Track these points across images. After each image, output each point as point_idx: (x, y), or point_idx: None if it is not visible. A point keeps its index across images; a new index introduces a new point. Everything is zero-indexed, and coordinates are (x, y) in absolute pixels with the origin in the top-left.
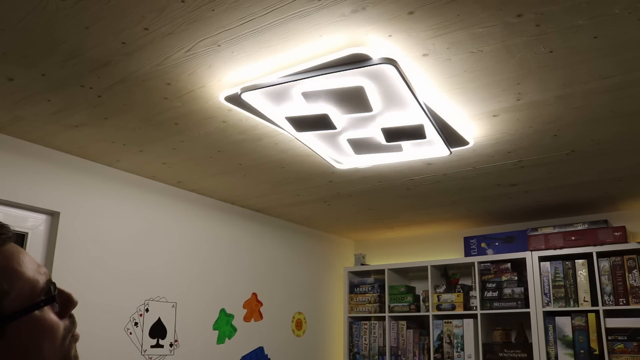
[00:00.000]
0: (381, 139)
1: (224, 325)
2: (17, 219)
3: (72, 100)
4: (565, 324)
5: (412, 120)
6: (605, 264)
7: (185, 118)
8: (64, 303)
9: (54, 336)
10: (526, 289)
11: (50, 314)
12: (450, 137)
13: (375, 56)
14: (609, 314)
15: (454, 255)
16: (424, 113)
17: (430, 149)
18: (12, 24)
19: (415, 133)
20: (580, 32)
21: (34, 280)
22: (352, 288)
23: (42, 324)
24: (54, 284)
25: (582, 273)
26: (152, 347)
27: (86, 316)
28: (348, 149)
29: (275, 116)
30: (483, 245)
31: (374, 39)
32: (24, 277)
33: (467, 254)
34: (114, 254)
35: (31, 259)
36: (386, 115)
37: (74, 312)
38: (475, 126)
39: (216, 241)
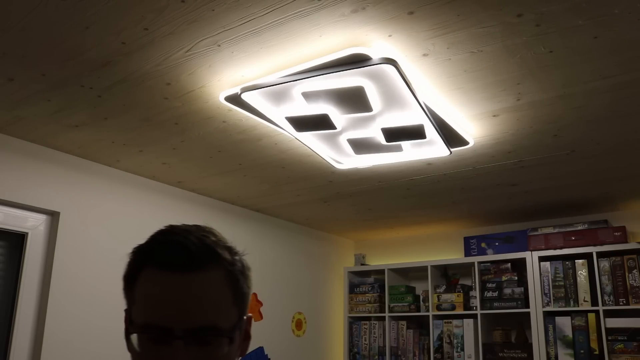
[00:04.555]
0: (381, 139)
1: None
2: (17, 219)
3: (72, 100)
4: (565, 324)
5: (412, 120)
6: (605, 264)
7: (185, 118)
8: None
9: None
10: (526, 289)
11: (140, 345)
12: (450, 137)
13: (375, 56)
14: (609, 314)
15: (454, 255)
16: (424, 113)
17: (430, 149)
18: (12, 24)
19: (415, 133)
20: (580, 32)
21: (150, 310)
22: (352, 288)
23: (131, 348)
24: (168, 333)
25: (582, 273)
26: None
27: (86, 316)
28: (348, 149)
29: (275, 116)
30: (483, 245)
31: (374, 39)
32: (146, 301)
33: (467, 254)
34: (114, 253)
35: (185, 299)
36: (386, 115)
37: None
38: (475, 126)
39: None
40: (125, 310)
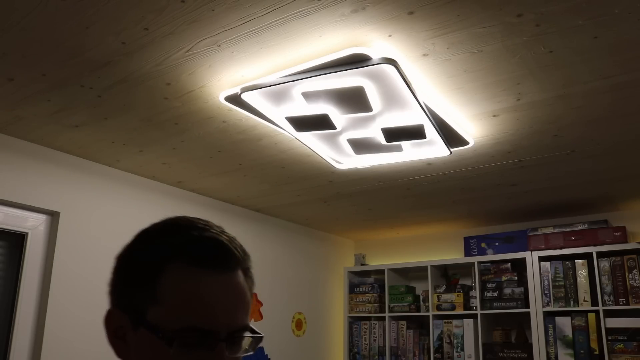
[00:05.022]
0: (381, 139)
1: None
2: (17, 219)
3: (72, 100)
4: (565, 324)
5: (412, 120)
6: (605, 264)
7: (185, 118)
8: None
9: None
10: (526, 289)
11: (173, 351)
12: (450, 137)
13: (375, 56)
14: (609, 314)
15: (454, 255)
16: (424, 113)
17: (430, 149)
18: (12, 24)
19: (415, 133)
20: (580, 32)
21: (190, 313)
22: (352, 288)
23: (155, 351)
24: (213, 336)
25: (582, 273)
26: None
27: (86, 316)
28: (348, 149)
29: (275, 116)
30: (483, 245)
31: (374, 39)
32: (183, 303)
33: (467, 254)
34: (114, 254)
35: (228, 300)
36: (386, 115)
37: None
38: (475, 126)
39: None
40: (126, 311)
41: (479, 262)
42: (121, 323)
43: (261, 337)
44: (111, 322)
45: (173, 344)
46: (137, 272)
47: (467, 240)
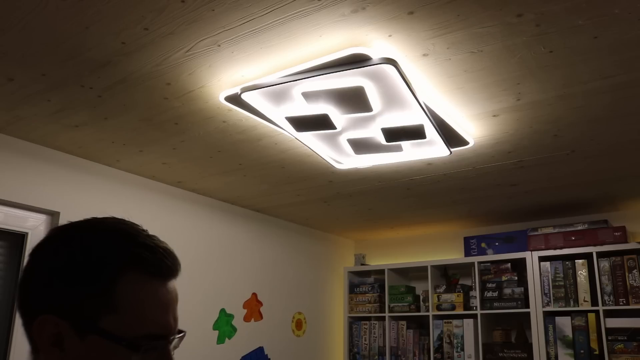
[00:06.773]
0: (381, 139)
1: (224, 325)
2: (17, 219)
3: (72, 100)
4: (565, 324)
5: (412, 120)
6: (605, 264)
7: (185, 118)
8: None
9: None
10: (526, 289)
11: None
12: (450, 137)
13: (375, 56)
14: (609, 314)
15: (454, 255)
16: (424, 113)
17: (430, 149)
18: (12, 24)
19: (415, 133)
20: (580, 32)
21: (150, 320)
22: (352, 288)
23: (108, 355)
24: (166, 340)
25: (582, 273)
26: None
27: None
28: (348, 149)
29: (275, 116)
30: (483, 245)
31: (374, 39)
32: (143, 311)
33: (467, 254)
34: None
35: (174, 306)
36: (386, 115)
37: None
38: (475, 126)
39: (216, 241)
40: (66, 318)
41: (479, 262)
42: (59, 330)
43: (185, 334)
44: (45, 330)
45: (140, 351)
46: (87, 278)
47: (467, 240)
